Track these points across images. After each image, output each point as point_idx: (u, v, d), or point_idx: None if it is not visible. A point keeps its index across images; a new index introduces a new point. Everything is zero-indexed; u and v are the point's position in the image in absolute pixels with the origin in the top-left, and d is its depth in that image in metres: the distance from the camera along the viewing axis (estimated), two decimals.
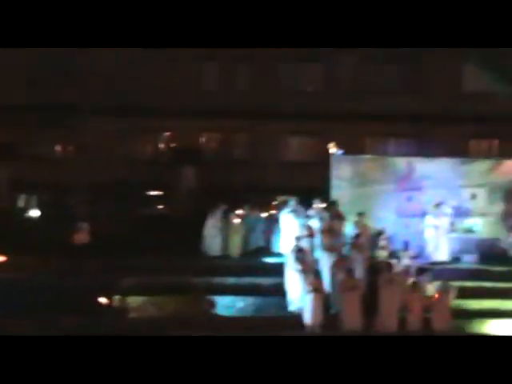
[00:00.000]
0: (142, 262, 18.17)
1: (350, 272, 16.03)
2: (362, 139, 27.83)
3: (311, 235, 18.07)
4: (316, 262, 17.43)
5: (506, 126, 25.05)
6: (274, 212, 21.27)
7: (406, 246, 18.27)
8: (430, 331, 15.28)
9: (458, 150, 25.14)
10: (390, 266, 16.33)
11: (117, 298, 16.63)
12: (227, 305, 16.85)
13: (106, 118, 27.38)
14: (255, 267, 18.55)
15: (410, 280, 16.24)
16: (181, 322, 15.25)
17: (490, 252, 19.81)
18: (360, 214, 18.96)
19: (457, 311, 15.87)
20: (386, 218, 20.08)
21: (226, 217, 19.99)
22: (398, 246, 18.68)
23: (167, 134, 29.61)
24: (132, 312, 16.39)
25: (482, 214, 20.41)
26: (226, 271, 18.13)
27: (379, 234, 18.49)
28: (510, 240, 19.74)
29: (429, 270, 17.14)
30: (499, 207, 20.39)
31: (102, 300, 16.33)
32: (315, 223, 18.57)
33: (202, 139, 29.72)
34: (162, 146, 29.82)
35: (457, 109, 26.63)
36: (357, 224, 18.78)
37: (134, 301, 16.74)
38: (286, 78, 29.34)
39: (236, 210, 20.28)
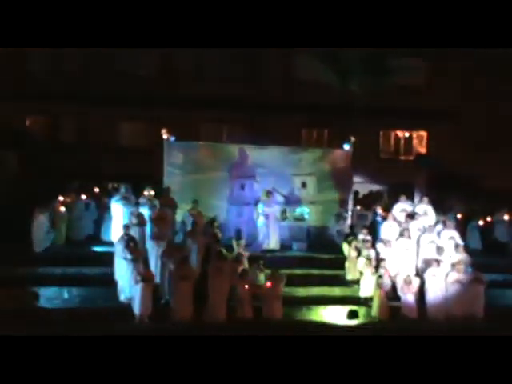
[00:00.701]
0: None
1: (183, 261, 15.69)
2: (196, 126, 27.42)
3: (141, 223, 17.70)
4: (146, 250, 17.04)
5: (335, 116, 25.66)
6: (104, 199, 20.63)
7: (239, 234, 18.19)
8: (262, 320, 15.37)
9: (289, 138, 25.38)
10: (220, 255, 16.15)
11: None
12: (52, 296, 16.06)
13: None
14: (83, 257, 17.81)
15: (241, 268, 16.19)
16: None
17: (318, 239, 20.21)
18: (194, 202, 18.78)
19: (286, 299, 15.94)
20: (219, 205, 20.09)
21: (52, 204, 18.99)
22: (230, 234, 18.70)
23: None
24: None
25: (312, 203, 20.78)
26: (52, 261, 17.24)
27: (212, 221, 18.31)
28: (337, 228, 20.10)
29: (260, 258, 17.16)
30: (327, 196, 20.89)
31: None
32: (146, 211, 18.21)
33: (29, 123, 28.19)
34: None
35: (290, 98, 26.96)
36: (191, 212, 18.56)
37: None
38: (119, 63, 28.47)
39: (63, 197, 19.41)
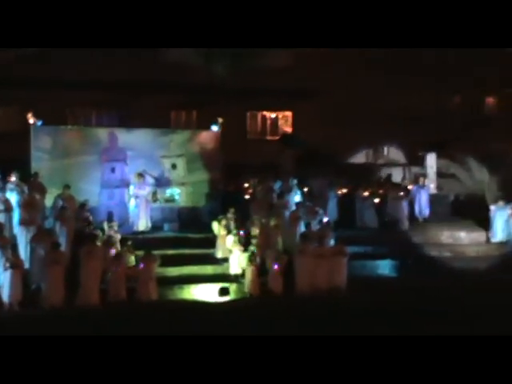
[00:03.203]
0: None
1: (54, 246, 15.66)
2: (64, 109, 26.34)
3: (8, 209, 17.28)
4: (14, 237, 16.80)
5: (203, 98, 25.81)
6: None
7: (110, 216, 18.26)
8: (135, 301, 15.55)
9: (158, 120, 25.02)
10: (93, 238, 16.20)
11: None
12: None
13: None
14: None
15: (113, 251, 16.25)
16: None
17: (190, 220, 20.47)
18: (66, 186, 18.55)
19: (158, 279, 16.09)
20: (90, 189, 20.00)
21: None
22: (101, 217, 18.74)
23: None
24: None
25: (182, 184, 21.09)
26: None
27: (82, 205, 18.30)
28: (209, 208, 20.49)
29: (132, 239, 17.26)
30: (197, 177, 21.21)
31: None
32: (13, 197, 17.79)
33: None
34: None
35: (157, 79, 26.49)
36: (62, 196, 18.35)
37: None
38: None
39: None
